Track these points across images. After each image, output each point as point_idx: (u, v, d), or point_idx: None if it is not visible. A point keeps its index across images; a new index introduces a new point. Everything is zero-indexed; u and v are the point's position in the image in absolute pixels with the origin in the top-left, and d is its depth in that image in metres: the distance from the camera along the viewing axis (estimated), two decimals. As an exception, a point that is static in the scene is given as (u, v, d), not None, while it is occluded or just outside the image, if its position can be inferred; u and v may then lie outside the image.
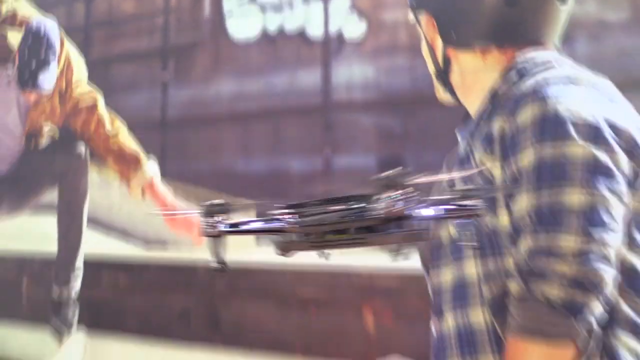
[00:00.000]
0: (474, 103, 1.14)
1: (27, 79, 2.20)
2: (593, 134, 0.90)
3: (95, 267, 2.92)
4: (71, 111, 2.54)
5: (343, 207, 0.63)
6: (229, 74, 3.14)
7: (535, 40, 1.08)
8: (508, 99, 0.99)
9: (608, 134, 0.91)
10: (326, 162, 2.66)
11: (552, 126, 0.91)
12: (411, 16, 1.22)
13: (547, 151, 0.89)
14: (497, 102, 1.03)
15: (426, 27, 1.17)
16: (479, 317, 0.96)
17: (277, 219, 0.65)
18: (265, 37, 3.11)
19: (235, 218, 0.66)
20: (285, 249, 0.62)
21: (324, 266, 2.69)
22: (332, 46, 2.87)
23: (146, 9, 3.53)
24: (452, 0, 1.10)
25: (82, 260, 2.80)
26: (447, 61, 1.16)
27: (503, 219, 0.96)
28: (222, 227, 0.63)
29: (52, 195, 2.82)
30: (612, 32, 2.26)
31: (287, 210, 0.63)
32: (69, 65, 2.83)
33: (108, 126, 2.58)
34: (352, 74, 2.77)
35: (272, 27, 3.11)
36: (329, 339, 2.64)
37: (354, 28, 2.86)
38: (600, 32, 2.24)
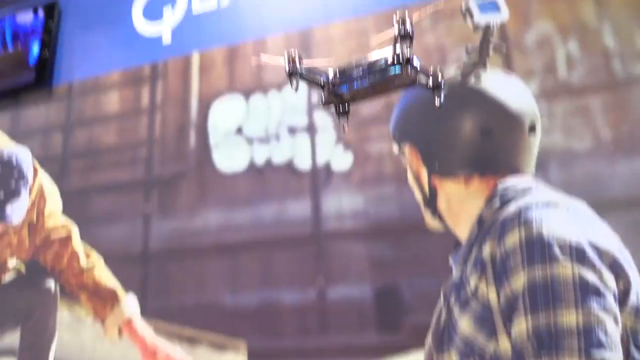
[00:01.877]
0: (462, 229, 1.28)
1: (-6, 210, 2.28)
2: (579, 255, 1.02)
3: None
4: (42, 244, 2.61)
5: (370, 71, 1.08)
6: (215, 206, 3.29)
7: (512, 168, 1.26)
8: (494, 224, 1.12)
9: (592, 254, 1.03)
10: (320, 293, 2.71)
11: (538, 249, 1.02)
12: (395, 148, 1.39)
13: (537, 274, 0.99)
14: (484, 227, 1.17)
15: (410, 158, 1.34)
16: None
17: (325, 75, 1.12)
18: (253, 169, 3.32)
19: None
20: (325, 103, 1.14)
21: None
22: (320, 177, 3.09)
23: (128, 140, 3.75)
24: (432, 133, 1.27)
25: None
26: (433, 190, 1.31)
27: (504, 344, 1.03)
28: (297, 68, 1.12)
29: (12, 338, 2.76)
30: (580, 159, 2.55)
31: (333, 72, 1.11)
32: (41, 196, 2.94)
33: (82, 260, 2.64)
34: (342, 204, 2.96)
35: (260, 159, 3.34)
36: None
37: (340, 160, 3.11)
38: (569, 160, 2.53)
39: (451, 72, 1.36)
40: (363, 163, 3.01)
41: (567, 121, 2.69)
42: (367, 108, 3.11)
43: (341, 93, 1.09)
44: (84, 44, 4.32)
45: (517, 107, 1.30)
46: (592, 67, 2.90)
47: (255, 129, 3.43)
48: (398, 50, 1.06)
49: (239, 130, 3.49)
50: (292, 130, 3.33)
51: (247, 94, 3.57)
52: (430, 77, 1.08)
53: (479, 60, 1.31)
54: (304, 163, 3.20)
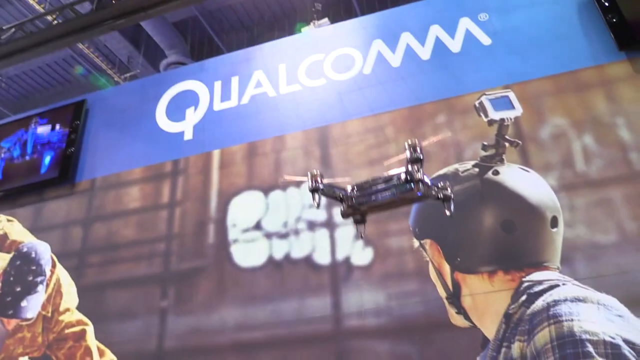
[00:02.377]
0: (489, 325, 1.25)
1: (9, 305, 2.28)
2: (614, 352, 0.99)
3: None
4: (55, 340, 2.57)
5: (385, 187, 1.25)
6: (233, 302, 3.25)
7: (537, 264, 1.25)
8: (522, 320, 1.10)
9: (628, 351, 0.99)
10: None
11: (571, 347, 0.99)
12: (416, 243, 1.40)
13: (573, 374, 0.95)
14: (512, 324, 1.14)
15: (432, 253, 1.34)
16: None
17: (344, 190, 1.31)
18: (271, 264, 3.31)
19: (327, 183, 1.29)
20: (344, 215, 1.36)
21: None
22: (340, 273, 3.07)
23: (147, 235, 3.80)
24: (453, 229, 1.28)
25: None
26: (456, 285, 1.30)
27: None
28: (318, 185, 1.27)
29: None
30: (606, 253, 2.51)
31: (351, 187, 1.30)
32: (58, 291, 2.94)
33: (96, 358, 2.57)
34: (362, 300, 2.91)
35: (279, 254, 3.35)
36: None
37: (360, 255, 3.10)
38: (595, 253, 2.49)
39: (468, 166, 1.40)
40: (384, 258, 2.99)
41: (589, 214, 2.68)
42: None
43: (359, 206, 1.22)
44: (108, 140, 4.51)
45: (537, 200, 1.31)
46: (609, 159, 2.93)
47: (275, 224, 3.47)
48: (410, 170, 1.20)
49: (258, 226, 3.53)
50: (311, 226, 3.36)
51: (266, 190, 3.64)
52: (441, 191, 1.21)
53: (496, 154, 1.36)
54: (323, 258, 3.19)
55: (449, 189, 1.23)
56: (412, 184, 1.23)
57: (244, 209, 3.64)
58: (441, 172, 2.59)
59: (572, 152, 2.98)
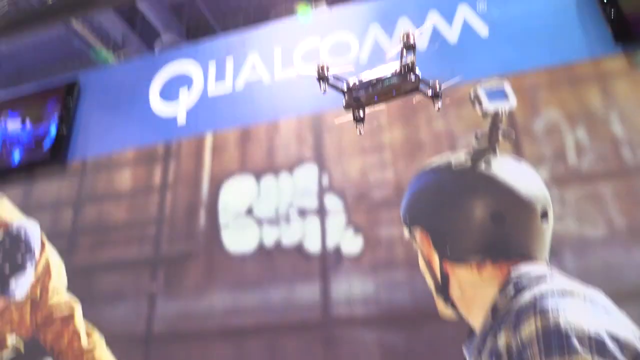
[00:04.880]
0: (476, 317, 1.25)
1: (-2, 284, 2.26)
2: (598, 347, 0.99)
3: None
4: (43, 321, 2.57)
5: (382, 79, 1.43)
6: (222, 287, 3.26)
7: (526, 255, 1.25)
8: (508, 313, 1.10)
9: (613, 346, 1.00)
10: (328, 382, 2.63)
11: (556, 341, 1.00)
12: (406, 233, 1.40)
13: (556, 367, 0.96)
14: (499, 316, 1.14)
15: (421, 243, 1.34)
16: None
17: (347, 84, 1.47)
18: (262, 251, 3.31)
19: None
20: (347, 106, 1.46)
21: None
22: (330, 261, 3.08)
23: (138, 218, 3.79)
24: (443, 218, 1.28)
25: None
26: (445, 276, 1.30)
27: None
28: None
29: None
30: (594, 247, 2.54)
31: (352, 81, 1.46)
32: (47, 272, 2.94)
33: (84, 340, 2.58)
34: (352, 289, 2.92)
35: (269, 241, 3.35)
36: None
37: (351, 243, 3.12)
38: (584, 247, 2.51)
39: (461, 157, 1.39)
40: (374, 247, 3.00)
41: (579, 208, 2.70)
42: (378, 192, 3.15)
43: (359, 97, 1.41)
44: (101, 121, 4.47)
45: (528, 192, 1.30)
46: (601, 154, 2.95)
47: (266, 210, 3.47)
48: (404, 61, 1.41)
49: (249, 211, 3.53)
50: (302, 213, 3.36)
51: (258, 175, 3.63)
52: (430, 86, 1.42)
53: (489, 145, 1.35)
54: (313, 246, 3.20)
55: (438, 85, 1.45)
56: (406, 74, 1.41)
57: (236, 193, 3.63)
58: (433, 162, 2.58)
59: (565, 146, 2.99)
